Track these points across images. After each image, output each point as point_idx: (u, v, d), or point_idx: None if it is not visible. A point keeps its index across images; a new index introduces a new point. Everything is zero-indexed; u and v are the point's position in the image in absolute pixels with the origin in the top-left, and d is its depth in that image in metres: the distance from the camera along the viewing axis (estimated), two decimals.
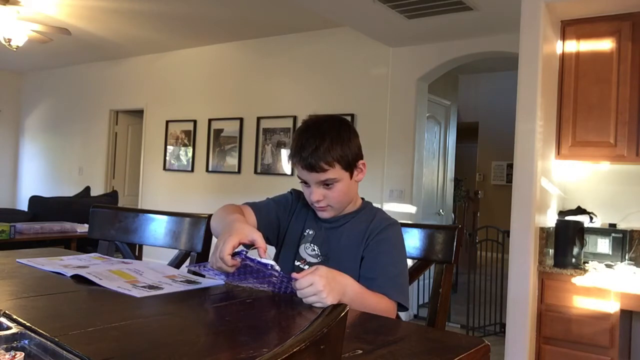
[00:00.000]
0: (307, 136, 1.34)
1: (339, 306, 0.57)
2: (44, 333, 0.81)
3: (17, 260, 1.45)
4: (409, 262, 1.48)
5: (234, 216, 1.29)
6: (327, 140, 1.32)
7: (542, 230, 2.76)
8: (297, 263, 1.43)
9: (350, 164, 1.37)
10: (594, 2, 2.68)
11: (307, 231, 1.46)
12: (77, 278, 1.25)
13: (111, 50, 6.76)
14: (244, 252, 1.13)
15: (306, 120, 1.41)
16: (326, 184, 1.35)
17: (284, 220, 1.49)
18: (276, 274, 1.13)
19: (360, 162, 1.41)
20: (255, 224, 1.39)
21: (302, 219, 1.48)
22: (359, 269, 1.36)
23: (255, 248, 1.17)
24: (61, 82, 8.06)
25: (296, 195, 1.52)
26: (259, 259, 1.12)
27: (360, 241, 1.38)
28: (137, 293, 1.13)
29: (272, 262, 1.13)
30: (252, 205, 1.45)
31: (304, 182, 1.39)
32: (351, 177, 1.38)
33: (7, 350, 0.77)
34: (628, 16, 2.71)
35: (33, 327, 0.83)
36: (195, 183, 6.30)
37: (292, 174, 5.24)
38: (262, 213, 1.44)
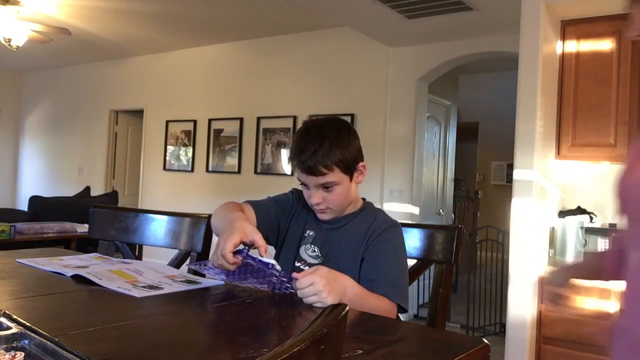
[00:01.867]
0: (306, 139, 1.34)
1: (339, 306, 0.57)
2: (44, 333, 0.81)
3: (17, 260, 1.45)
4: (409, 262, 1.48)
5: (236, 214, 1.29)
6: (326, 143, 1.32)
7: (542, 230, 2.76)
8: (297, 264, 1.43)
9: (350, 167, 1.36)
10: (594, 2, 2.68)
11: (307, 232, 1.46)
12: (77, 278, 1.25)
13: (111, 50, 6.76)
14: (246, 250, 1.13)
15: (306, 122, 1.41)
16: (325, 186, 1.35)
17: (283, 220, 1.49)
18: (277, 273, 1.13)
19: (361, 164, 1.40)
20: (256, 223, 1.39)
21: (303, 220, 1.48)
22: (359, 270, 1.36)
23: (256, 247, 1.17)
24: (61, 82, 8.06)
25: (297, 195, 1.51)
26: (260, 258, 1.12)
27: (361, 242, 1.38)
28: (137, 293, 1.13)
29: (273, 262, 1.13)
30: (253, 204, 1.45)
31: (304, 184, 1.39)
32: (351, 179, 1.38)
33: (7, 350, 0.77)
34: (628, 16, 2.70)
35: (33, 327, 0.83)
36: (195, 183, 6.30)
37: (292, 174, 5.24)
38: (263, 212, 1.44)
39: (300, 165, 1.34)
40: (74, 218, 4.71)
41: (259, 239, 1.16)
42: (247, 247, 1.14)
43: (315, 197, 1.36)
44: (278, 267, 1.12)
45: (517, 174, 2.74)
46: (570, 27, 2.85)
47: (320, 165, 1.31)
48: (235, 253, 1.13)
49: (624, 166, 1.10)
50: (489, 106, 7.63)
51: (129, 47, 6.55)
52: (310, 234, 1.45)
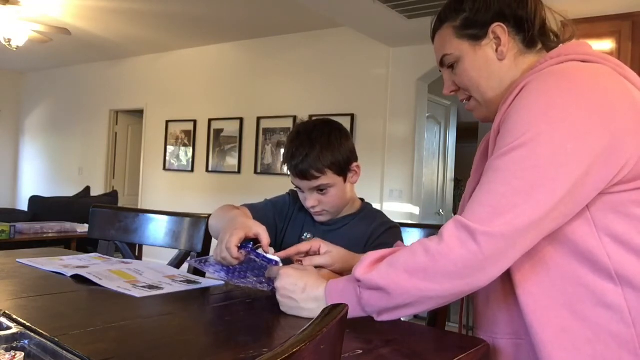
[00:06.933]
0: (297, 144, 1.34)
1: (338, 306, 0.57)
2: (44, 333, 0.81)
3: (17, 260, 1.45)
4: None
5: (237, 212, 1.30)
6: (317, 147, 1.32)
7: None
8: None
9: (343, 169, 1.36)
10: (594, 2, 2.68)
11: (305, 235, 1.45)
12: (77, 278, 1.25)
13: (111, 50, 6.76)
14: (250, 246, 1.13)
15: (297, 126, 1.41)
16: (320, 189, 1.35)
17: (281, 223, 1.48)
18: None
19: (354, 164, 1.40)
20: None
21: (300, 222, 1.47)
22: None
23: (259, 246, 1.17)
24: (61, 82, 8.06)
25: (294, 197, 1.51)
26: (264, 255, 1.12)
27: (360, 245, 1.37)
28: (137, 293, 1.13)
29: (278, 259, 1.12)
30: (250, 207, 1.45)
31: (299, 188, 1.40)
32: (345, 180, 1.38)
33: (7, 350, 0.77)
34: (628, 16, 2.71)
35: (33, 327, 0.83)
36: (195, 183, 6.30)
37: None
38: (260, 215, 1.43)
39: (293, 169, 1.34)
40: (74, 218, 4.71)
41: (262, 232, 1.15)
42: (251, 243, 1.14)
43: (310, 201, 1.37)
44: (281, 266, 1.12)
45: None
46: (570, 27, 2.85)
47: (312, 169, 1.32)
48: (240, 248, 1.12)
49: None
50: None
51: (129, 47, 6.55)
52: (308, 236, 1.44)
